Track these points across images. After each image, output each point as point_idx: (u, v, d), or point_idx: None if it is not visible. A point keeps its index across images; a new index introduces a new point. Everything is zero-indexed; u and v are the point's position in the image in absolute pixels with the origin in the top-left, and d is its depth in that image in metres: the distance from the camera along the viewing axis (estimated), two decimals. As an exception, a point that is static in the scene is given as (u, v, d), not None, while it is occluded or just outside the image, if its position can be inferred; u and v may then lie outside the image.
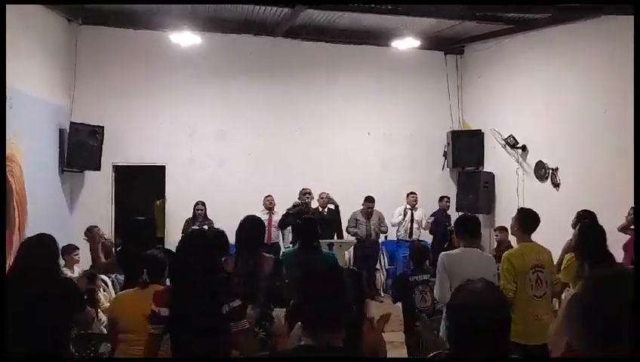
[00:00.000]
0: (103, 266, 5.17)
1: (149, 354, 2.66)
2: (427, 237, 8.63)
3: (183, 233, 8.03)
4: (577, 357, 0.90)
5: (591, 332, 0.89)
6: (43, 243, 3.17)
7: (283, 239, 8.14)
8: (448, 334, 1.81)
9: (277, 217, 8.05)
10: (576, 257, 3.94)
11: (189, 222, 7.87)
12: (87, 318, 3.34)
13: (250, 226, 3.84)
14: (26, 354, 2.88)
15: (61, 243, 6.27)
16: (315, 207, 8.17)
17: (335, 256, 5.13)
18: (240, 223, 3.86)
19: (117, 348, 3.15)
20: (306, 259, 4.08)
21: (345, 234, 8.36)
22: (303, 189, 8.03)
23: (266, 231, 7.98)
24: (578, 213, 5.24)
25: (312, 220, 5.47)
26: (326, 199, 8.26)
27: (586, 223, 4.35)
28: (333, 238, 7.67)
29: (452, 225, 8.38)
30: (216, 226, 5.76)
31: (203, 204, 7.95)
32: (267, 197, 8.22)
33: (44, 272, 3.02)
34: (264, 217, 7.88)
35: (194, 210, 7.93)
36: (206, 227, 7.66)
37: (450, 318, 1.80)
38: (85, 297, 3.71)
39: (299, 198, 7.94)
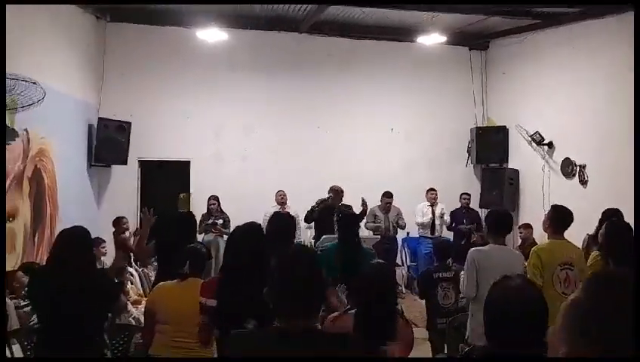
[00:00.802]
0: (143, 251, 5.16)
1: (203, 341, 2.72)
2: (449, 234, 8.61)
3: (199, 228, 8.13)
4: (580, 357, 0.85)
5: (586, 339, 0.84)
6: (78, 235, 3.21)
7: (300, 234, 8.16)
8: (485, 329, 1.82)
9: (290, 212, 8.05)
10: (601, 256, 3.90)
11: (204, 217, 7.97)
12: (121, 306, 3.41)
13: (282, 220, 3.92)
14: (61, 345, 2.95)
15: (90, 236, 6.48)
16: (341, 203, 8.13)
17: (374, 252, 5.12)
18: (270, 217, 3.95)
19: (153, 338, 3.21)
20: (349, 255, 4.13)
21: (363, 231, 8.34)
22: (333, 186, 7.94)
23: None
24: (604, 211, 5.16)
25: (352, 216, 5.49)
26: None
27: (613, 221, 4.28)
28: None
29: (466, 223, 8.41)
30: (248, 222, 5.79)
31: (216, 198, 8.01)
32: (279, 192, 8.25)
33: (80, 264, 3.07)
34: None
35: (208, 205, 7.99)
36: (220, 221, 7.77)
37: (488, 313, 1.81)
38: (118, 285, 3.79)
39: (328, 193, 7.86)
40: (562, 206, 4.24)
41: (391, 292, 2.67)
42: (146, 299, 4.36)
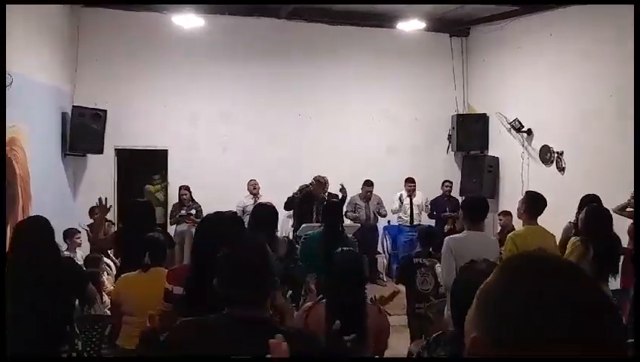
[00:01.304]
0: (99, 242, 5.10)
1: (161, 329, 2.67)
2: (429, 222, 8.63)
3: (170, 218, 8.07)
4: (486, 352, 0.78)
5: (501, 326, 0.77)
6: (37, 224, 3.15)
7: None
8: (452, 314, 1.80)
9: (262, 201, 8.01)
10: (581, 241, 3.92)
11: (176, 207, 7.89)
12: (91, 295, 3.35)
13: (265, 210, 3.94)
14: (29, 335, 2.88)
15: (64, 226, 6.37)
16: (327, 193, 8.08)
17: (356, 241, 5.10)
18: (254, 208, 4.02)
19: (120, 330, 3.16)
20: (332, 243, 4.09)
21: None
22: (317, 176, 7.84)
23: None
24: (583, 197, 5.20)
25: (336, 204, 5.46)
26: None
27: (593, 207, 4.31)
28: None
29: (449, 211, 8.44)
30: (217, 211, 5.74)
31: (187, 188, 7.94)
32: (251, 181, 8.15)
33: (43, 253, 3.02)
34: (249, 202, 7.81)
35: (179, 195, 7.93)
36: (193, 211, 7.70)
37: (453, 297, 1.80)
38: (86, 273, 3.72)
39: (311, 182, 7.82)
40: (535, 192, 4.27)
41: (361, 280, 2.64)
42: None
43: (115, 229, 6.45)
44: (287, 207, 7.76)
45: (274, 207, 4.11)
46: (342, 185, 7.50)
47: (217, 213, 2.77)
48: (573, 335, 0.72)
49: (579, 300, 0.75)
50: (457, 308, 1.75)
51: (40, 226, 3.10)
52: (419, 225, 8.21)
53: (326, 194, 8.04)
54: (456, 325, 1.73)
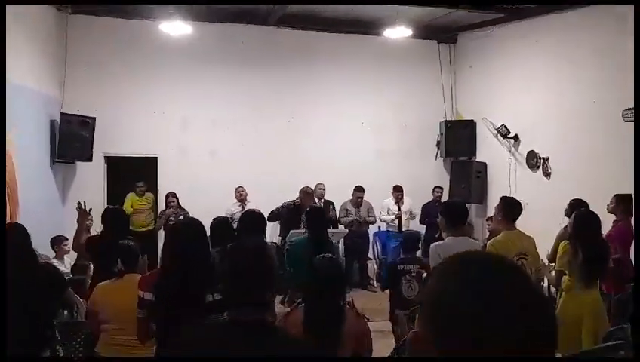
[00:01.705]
0: (79, 248, 5.08)
1: (140, 336, 2.70)
2: (418, 228, 8.67)
3: (157, 225, 8.09)
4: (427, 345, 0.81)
5: (433, 324, 0.80)
6: (13, 231, 3.15)
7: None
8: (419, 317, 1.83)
9: (249, 208, 8.06)
10: (570, 245, 3.97)
11: (163, 214, 7.91)
12: (70, 300, 3.35)
13: (253, 216, 4.00)
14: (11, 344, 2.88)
15: (53, 233, 6.36)
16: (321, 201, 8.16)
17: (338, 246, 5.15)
18: (242, 214, 4.12)
19: (99, 338, 3.17)
20: (318, 249, 4.12)
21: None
22: (304, 188, 7.86)
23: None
24: (571, 201, 5.26)
25: (320, 209, 5.51)
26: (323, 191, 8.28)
27: (581, 211, 4.36)
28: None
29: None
30: (186, 217, 5.83)
31: (174, 194, 7.97)
32: (238, 188, 8.15)
33: (19, 258, 3.01)
34: (236, 209, 7.83)
35: (166, 201, 7.95)
36: (181, 217, 7.71)
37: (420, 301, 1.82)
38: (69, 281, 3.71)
39: (299, 195, 7.85)
40: (510, 197, 4.34)
41: (339, 285, 2.67)
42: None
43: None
44: (270, 219, 7.80)
45: (262, 214, 4.15)
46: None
47: (187, 220, 2.81)
48: (502, 329, 0.75)
49: (507, 293, 0.78)
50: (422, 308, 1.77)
51: (16, 232, 3.10)
52: (407, 230, 8.28)
53: (321, 201, 8.10)
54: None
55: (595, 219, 4.09)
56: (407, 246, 5.11)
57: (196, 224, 2.78)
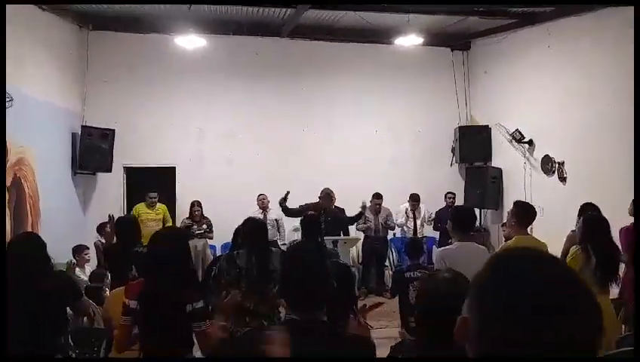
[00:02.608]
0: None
1: (118, 343, 2.78)
2: (433, 234, 8.68)
3: None
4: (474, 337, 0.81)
5: (483, 316, 0.81)
6: (27, 240, 3.25)
7: (280, 236, 8.27)
8: (415, 319, 1.87)
9: (271, 216, 8.17)
10: (582, 250, 3.94)
11: (186, 223, 7.98)
12: (85, 307, 3.44)
13: (253, 224, 4.07)
14: (23, 350, 2.98)
15: (75, 243, 6.53)
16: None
17: (336, 252, 5.20)
18: (243, 222, 4.10)
19: (113, 345, 3.25)
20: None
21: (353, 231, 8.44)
22: (325, 189, 7.94)
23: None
24: (582, 206, 5.21)
25: (314, 216, 5.58)
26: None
27: (590, 215, 4.32)
28: (339, 235, 7.72)
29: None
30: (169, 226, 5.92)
31: (199, 204, 7.99)
32: (260, 196, 8.29)
33: (32, 266, 3.08)
34: (258, 217, 7.97)
35: (190, 210, 8.00)
36: (205, 226, 7.83)
37: (417, 305, 1.87)
38: (83, 289, 3.82)
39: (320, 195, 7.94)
40: (525, 202, 4.31)
41: (346, 292, 2.71)
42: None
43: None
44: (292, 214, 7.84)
45: (262, 221, 4.21)
46: (363, 202, 7.90)
47: (169, 228, 2.89)
48: (544, 328, 0.75)
49: (555, 292, 0.78)
50: (422, 314, 1.81)
51: (30, 241, 3.21)
52: (422, 236, 8.29)
53: (333, 206, 8.16)
54: (415, 332, 1.79)
55: (604, 223, 4.06)
56: (411, 252, 5.12)
57: (175, 234, 2.84)
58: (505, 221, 7.99)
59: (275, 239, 8.12)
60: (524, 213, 4.08)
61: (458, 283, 1.78)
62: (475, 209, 8.91)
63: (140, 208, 8.02)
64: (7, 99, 5.20)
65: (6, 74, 5.04)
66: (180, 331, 2.64)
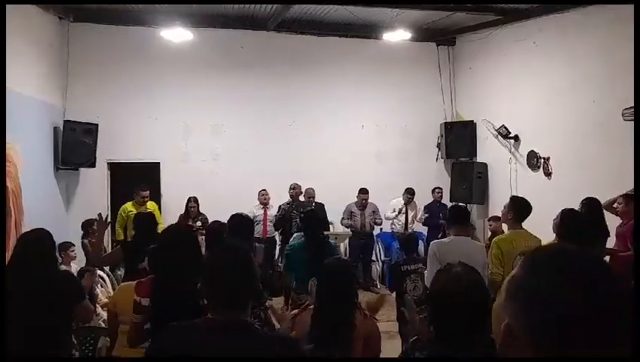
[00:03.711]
0: (103, 260, 5.21)
1: (131, 339, 2.74)
2: (422, 229, 8.72)
3: None
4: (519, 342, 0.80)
5: (529, 314, 0.80)
6: (38, 237, 3.21)
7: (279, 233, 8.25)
8: (429, 318, 1.86)
9: (272, 211, 8.15)
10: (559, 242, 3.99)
11: (182, 219, 7.89)
12: (87, 310, 3.39)
13: (238, 220, 4.08)
14: (25, 349, 2.93)
15: (58, 240, 6.37)
16: (302, 200, 8.21)
17: (337, 247, 5.21)
18: (229, 219, 4.12)
19: (117, 340, 3.20)
20: (317, 249, 4.18)
21: (339, 227, 8.45)
22: (292, 184, 8.18)
23: (262, 226, 8.11)
24: (583, 201, 5.20)
25: (313, 212, 5.58)
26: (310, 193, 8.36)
27: (567, 210, 4.37)
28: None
29: (442, 217, 8.52)
30: (174, 224, 5.92)
31: (196, 200, 7.89)
32: (262, 191, 8.25)
33: (41, 266, 3.07)
34: (259, 212, 8.02)
35: (187, 206, 7.91)
36: (199, 223, 7.74)
37: (430, 302, 1.86)
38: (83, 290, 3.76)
39: (289, 192, 8.11)
40: (521, 197, 4.35)
41: (349, 287, 2.71)
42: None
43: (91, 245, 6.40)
44: (276, 227, 7.97)
45: (249, 216, 4.22)
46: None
47: (178, 225, 2.84)
48: (593, 323, 0.75)
49: (601, 291, 0.77)
50: (434, 309, 1.80)
51: (42, 238, 3.16)
52: (412, 231, 8.33)
53: (312, 203, 8.17)
54: (431, 325, 1.78)
55: (582, 218, 4.11)
56: (407, 247, 5.16)
57: (185, 230, 2.81)
58: (491, 215, 8.12)
59: (273, 236, 8.13)
60: (521, 208, 4.14)
61: (467, 276, 1.77)
62: (461, 203, 9.17)
63: (128, 208, 7.54)
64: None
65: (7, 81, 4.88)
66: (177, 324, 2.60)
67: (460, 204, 6.65)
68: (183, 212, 7.91)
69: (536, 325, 0.79)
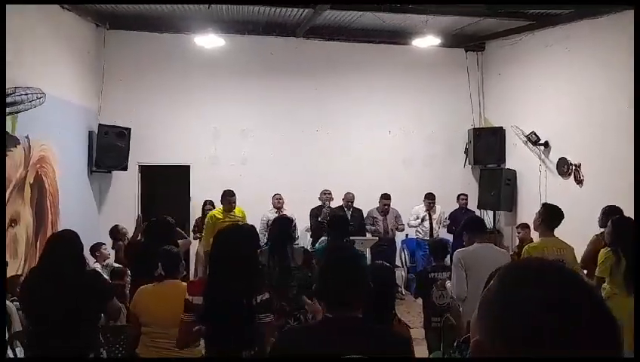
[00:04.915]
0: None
1: (181, 340, 2.79)
2: (447, 236, 8.66)
3: (193, 232, 8.21)
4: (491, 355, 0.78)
5: (499, 329, 0.78)
6: (66, 238, 3.29)
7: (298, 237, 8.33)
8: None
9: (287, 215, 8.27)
10: (613, 252, 3.94)
11: (199, 222, 8.01)
12: (115, 309, 3.47)
13: (282, 223, 4.19)
14: (54, 347, 3.02)
15: (90, 241, 6.56)
16: (339, 206, 8.26)
17: (363, 253, 5.25)
18: (272, 221, 4.29)
19: (139, 340, 3.28)
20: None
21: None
22: (323, 190, 8.24)
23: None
24: (604, 209, 5.15)
25: (341, 217, 5.63)
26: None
27: (618, 218, 4.31)
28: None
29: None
30: (235, 224, 5.99)
31: (212, 203, 7.96)
32: (276, 195, 8.32)
33: (69, 266, 3.13)
34: (273, 215, 8.00)
35: (203, 209, 8.01)
36: None
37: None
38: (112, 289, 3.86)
39: (319, 198, 8.14)
40: (553, 204, 4.31)
41: (390, 293, 2.75)
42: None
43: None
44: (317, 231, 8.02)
45: (292, 219, 4.29)
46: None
47: (235, 226, 2.90)
48: (566, 337, 0.74)
49: (575, 303, 0.76)
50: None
51: (73, 239, 3.24)
52: (436, 238, 8.27)
53: (351, 209, 8.25)
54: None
55: (632, 225, 4.06)
56: (436, 253, 5.14)
57: (244, 229, 2.87)
58: (519, 223, 8.02)
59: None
60: (553, 215, 4.11)
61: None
62: (489, 210, 9.07)
63: (217, 214, 7.08)
64: (38, 96, 5.22)
65: (6, 72, 5.05)
66: (246, 325, 2.67)
67: (473, 214, 6.56)
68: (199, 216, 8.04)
69: (510, 339, 0.77)
